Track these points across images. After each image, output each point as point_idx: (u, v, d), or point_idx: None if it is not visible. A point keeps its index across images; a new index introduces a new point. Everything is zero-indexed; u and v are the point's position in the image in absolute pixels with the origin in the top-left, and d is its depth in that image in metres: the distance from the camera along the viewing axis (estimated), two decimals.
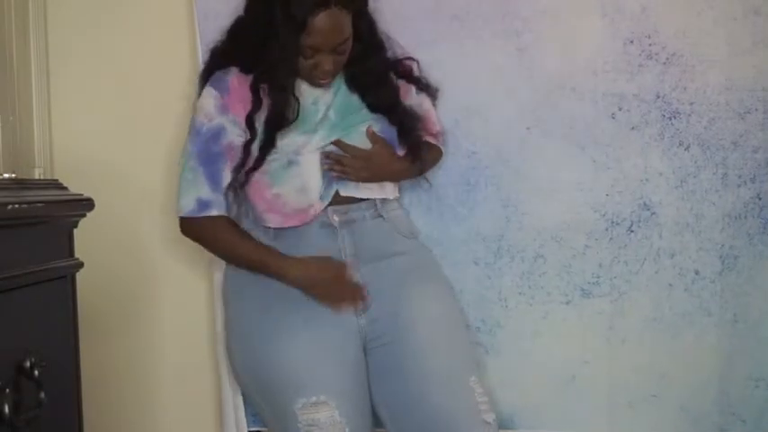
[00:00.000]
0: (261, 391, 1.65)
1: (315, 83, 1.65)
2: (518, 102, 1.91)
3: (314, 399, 1.57)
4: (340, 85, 1.70)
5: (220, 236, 1.67)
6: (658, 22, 1.87)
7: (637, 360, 1.93)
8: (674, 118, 1.89)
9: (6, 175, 1.51)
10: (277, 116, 1.63)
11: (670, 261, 1.92)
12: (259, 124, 1.63)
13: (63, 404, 1.47)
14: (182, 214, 1.66)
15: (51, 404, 1.36)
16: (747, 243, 1.90)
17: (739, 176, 1.89)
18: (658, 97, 1.89)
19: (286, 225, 1.66)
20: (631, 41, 1.88)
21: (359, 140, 1.69)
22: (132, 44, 1.98)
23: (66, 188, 1.56)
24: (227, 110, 1.65)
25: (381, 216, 1.71)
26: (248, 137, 1.63)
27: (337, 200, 1.67)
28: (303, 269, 1.63)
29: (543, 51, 1.89)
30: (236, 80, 1.65)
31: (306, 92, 1.67)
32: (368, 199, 1.71)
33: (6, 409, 1.26)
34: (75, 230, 1.55)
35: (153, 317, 2.04)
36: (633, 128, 1.90)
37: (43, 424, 1.35)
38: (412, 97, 1.79)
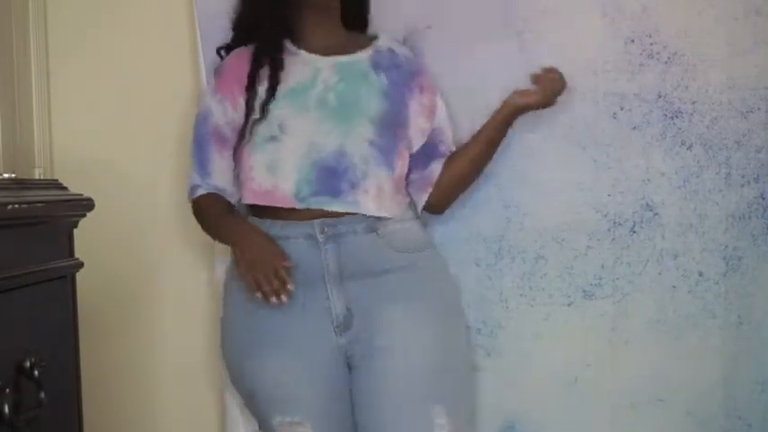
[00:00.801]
0: (244, 396, 1.68)
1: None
2: None
3: (289, 419, 1.57)
4: (347, 70, 1.69)
5: (204, 213, 1.70)
6: (659, 21, 1.86)
7: (640, 362, 1.92)
8: (676, 117, 1.88)
9: (6, 175, 1.51)
10: (269, 78, 1.63)
11: (673, 262, 1.91)
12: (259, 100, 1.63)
13: (63, 404, 1.46)
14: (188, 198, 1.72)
15: (51, 404, 1.35)
16: (751, 244, 1.89)
17: (743, 176, 1.88)
18: (660, 97, 1.88)
19: (255, 202, 1.64)
20: (632, 41, 1.88)
21: (355, 147, 1.64)
22: (132, 44, 1.98)
23: (66, 188, 1.56)
24: (216, 91, 1.67)
25: (375, 231, 1.66)
26: (243, 116, 1.63)
27: (328, 212, 1.63)
28: (244, 233, 1.61)
29: (543, 51, 1.89)
30: (236, 57, 1.66)
31: (305, 57, 1.67)
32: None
33: (6, 409, 1.26)
34: (75, 230, 1.54)
35: (153, 317, 2.03)
36: (635, 127, 1.89)
37: (43, 424, 1.35)
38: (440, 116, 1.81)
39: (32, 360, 1.33)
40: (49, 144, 1.97)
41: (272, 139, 1.62)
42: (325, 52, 1.71)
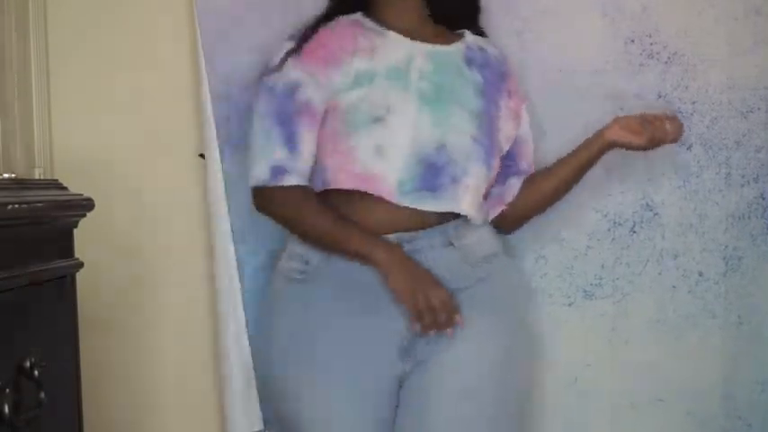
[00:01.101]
0: (282, 418, 1.56)
1: None
2: None
3: None
4: (441, 61, 1.59)
5: (294, 209, 1.51)
6: (659, 21, 1.87)
7: (640, 362, 1.92)
8: None
9: (6, 175, 1.51)
10: (366, 54, 1.52)
11: (673, 262, 1.91)
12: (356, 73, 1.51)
13: (63, 404, 1.46)
14: (253, 184, 1.52)
15: (51, 404, 1.35)
16: (751, 244, 1.89)
17: (742, 176, 1.88)
18: (660, 97, 1.88)
19: (351, 187, 1.49)
20: (632, 41, 1.88)
21: (457, 141, 1.53)
22: (132, 44, 1.98)
23: (66, 188, 1.56)
24: (304, 63, 1.51)
25: (452, 244, 1.54)
26: (332, 92, 1.50)
27: (406, 225, 1.51)
28: (390, 251, 1.46)
29: (544, 50, 1.89)
30: (328, 30, 1.55)
31: (395, 38, 1.57)
32: (441, 223, 1.54)
33: (6, 409, 1.25)
34: (75, 230, 1.54)
35: (153, 317, 2.03)
36: None
37: (43, 424, 1.34)
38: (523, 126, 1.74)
39: (32, 360, 1.32)
40: (49, 144, 1.97)
41: (378, 120, 1.49)
42: (414, 37, 1.61)
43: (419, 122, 1.52)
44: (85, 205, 1.54)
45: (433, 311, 1.45)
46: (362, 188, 1.49)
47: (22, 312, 1.36)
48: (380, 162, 1.49)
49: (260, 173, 1.51)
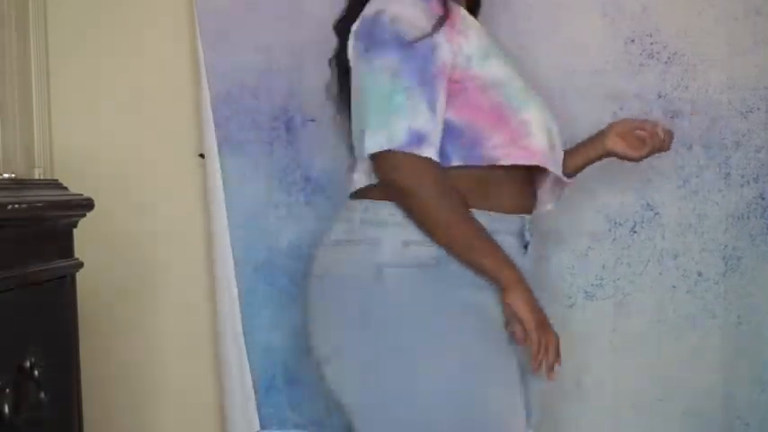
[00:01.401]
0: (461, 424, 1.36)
1: None
2: None
3: None
4: (500, 46, 1.52)
5: (433, 190, 1.33)
6: (659, 21, 1.87)
7: (640, 363, 1.92)
8: (676, 117, 1.88)
9: (6, 175, 1.50)
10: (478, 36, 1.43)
11: (673, 262, 1.91)
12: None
13: (63, 404, 1.46)
14: (387, 147, 1.32)
15: (51, 404, 1.35)
16: (750, 244, 1.89)
17: (742, 176, 1.88)
18: (660, 96, 1.88)
19: (528, 162, 1.41)
20: (632, 41, 1.88)
21: (552, 119, 1.48)
22: (132, 44, 1.98)
23: (66, 188, 1.56)
24: (440, 30, 1.36)
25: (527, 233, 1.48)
26: (471, 67, 1.39)
27: (529, 208, 1.47)
28: (515, 271, 1.35)
29: (544, 50, 1.89)
30: (453, 5, 1.43)
31: (465, 14, 1.46)
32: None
33: (6, 409, 1.26)
34: (75, 230, 1.54)
35: (153, 317, 2.03)
36: None
37: (43, 424, 1.34)
38: None
39: (32, 360, 1.33)
40: (49, 144, 1.97)
41: (528, 97, 1.44)
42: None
43: (537, 100, 1.48)
44: (85, 205, 1.54)
45: (546, 348, 1.38)
46: (537, 162, 1.42)
47: (22, 312, 1.36)
48: (542, 137, 1.43)
49: (395, 135, 1.31)
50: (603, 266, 1.92)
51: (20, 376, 1.31)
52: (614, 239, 1.91)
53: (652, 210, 1.91)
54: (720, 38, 1.86)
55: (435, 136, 1.34)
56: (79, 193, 1.56)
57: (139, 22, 1.98)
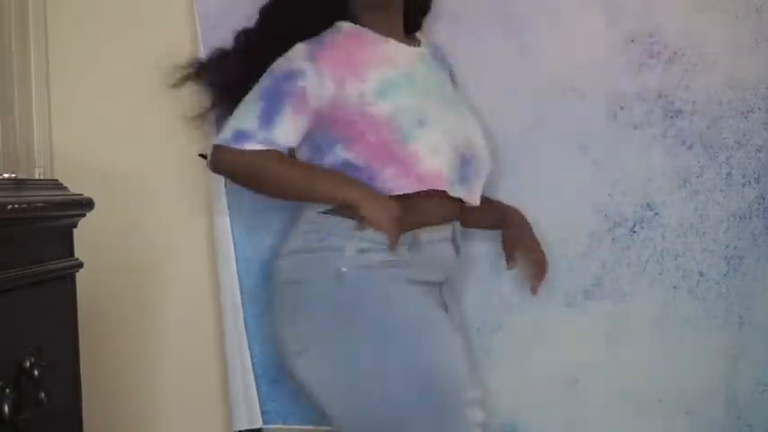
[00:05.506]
0: (425, 398, 1.54)
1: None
2: (518, 101, 1.90)
3: (472, 392, 1.56)
4: (428, 62, 1.71)
5: (261, 167, 1.57)
6: (660, 20, 1.87)
7: (640, 362, 1.92)
8: (677, 117, 1.88)
9: (6, 175, 1.50)
10: (384, 64, 1.62)
11: (674, 262, 1.91)
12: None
13: (63, 404, 1.46)
14: (214, 143, 1.59)
15: (51, 404, 1.35)
16: (752, 244, 1.89)
17: (743, 176, 1.88)
18: (660, 96, 1.88)
19: (419, 189, 1.57)
20: (633, 40, 1.88)
21: (477, 138, 1.68)
22: (132, 44, 1.98)
23: (66, 188, 1.55)
24: (317, 60, 1.58)
25: (455, 240, 1.70)
26: (354, 100, 1.57)
27: (453, 216, 1.67)
28: (362, 188, 1.56)
29: (544, 50, 1.89)
30: (347, 37, 1.65)
31: (396, 47, 1.66)
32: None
33: (6, 408, 1.25)
34: (75, 230, 1.54)
35: (153, 317, 2.03)
36: (635, 127, 1.89)
37: (43, 424, 1.34)
38: None
39: (32, 360, 1.32)
40: (49, 144, 1.97)
41: (422, 123, 1.57)
42: (403, 42, 1.71)
43: (449, 121, 1.63)
44: (85, 205, 1.54)
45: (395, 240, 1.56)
46: (427, 187, 1.58)
47: (22, 312, 1.36)
48: (438, 160, 1.58)
49: (224, 134, 1.57)
50: (603, 266, 1.92)
51: (20, 376, 1.31)
52: (614, 239, 1.91)
53: (652, 210, 1.90)
54: (721, 37, 1.86)
55: (266, 138, 1.55)
56: (79, 193, 1.56)
57: (140, 22, 1.99)
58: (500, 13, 1.90)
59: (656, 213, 1.90)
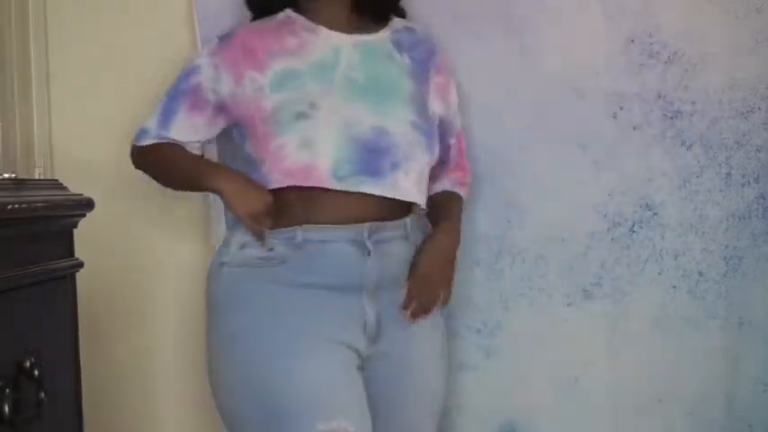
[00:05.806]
0: (264, 420, 1.48)
1: None
2: (518, 101, 1.90)
3: (335, 424, 1.43)
4: (370, 50, 1.64)
5: (160, 159, 1.65)
6: (660, 20, 1.86)
7: (640, 362, 1.92)
8: (676, 117, 1.88)
9: (6, 175, 1.50)
10: (290, 53, 1.59)
11: (673, 262, 1.91)
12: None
13: (63, 404, 1.46)
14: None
15: (51, 404, 1.35)
16: (751, 244, 1.89)
17: (743, 176, 1.88)
18: (660, 96, 1.88)
19: (286, 184, 1.52)
20: (632, 40, 1.87)
21: (398, 127, 1.57)
22: (132, 44, 1.97)
23: (66, 188, 1.55)
24: (214, 54, 1.62)
25: (407, 238, 1.59)
26: (251, 92, 1.57)
27: (373, 216, 1.53)
28: (232, 179, 1.54)
29: (544, 51, 1.89)
30: (250, 29, 1.66)
31: (324, 33, 1.63)
32: (401, 218, 1.58)
33: (6, 408, 1.25)
34: (75, 230, 1.54)
35: (153, 317, 2.02)
36: (635, 127, 1.89)
37: (43, 424, 1.34)
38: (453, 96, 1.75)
39: (32, 360, 1.32)
40: (49, 144, 1.97)
41: (302, 116, 1.52)
42: (343, 30, 1.64)
43: (351, 111, 1.55)
44: (85, 205, 1.54)
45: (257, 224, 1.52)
46: (297, 182, 1.52)
47: (22, 312, 1.36)
48: (309, 153, 1.51)
49: (134, 135, 1.68)
50: (602, 266, 1.92)
51: (20, 376, 1.30)
52: (613, 239, 1.91)
53: (651, 210, 1.90)
54: (721, 37, 1.86)
55: (160, 133, 1.63)
56: (79, 193, 1.56)
57: (139, 22, 1.98)
58: (500, 13, 1.89)
59: (656, 213, 1.90)
